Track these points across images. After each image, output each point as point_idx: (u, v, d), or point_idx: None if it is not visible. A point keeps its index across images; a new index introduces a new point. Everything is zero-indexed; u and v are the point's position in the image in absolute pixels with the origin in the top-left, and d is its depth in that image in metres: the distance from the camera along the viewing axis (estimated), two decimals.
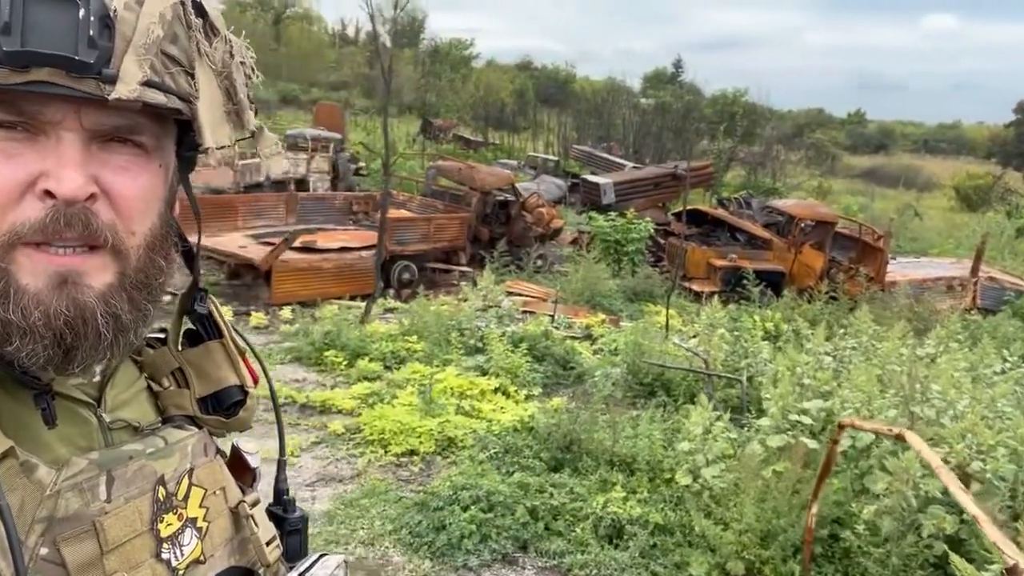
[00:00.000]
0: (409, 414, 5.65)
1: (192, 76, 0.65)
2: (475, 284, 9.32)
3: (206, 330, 0.84)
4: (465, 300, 8.80)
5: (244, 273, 9.67)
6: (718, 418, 4.84)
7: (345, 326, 7.66)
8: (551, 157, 29.94)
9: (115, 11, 0.58)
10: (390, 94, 9.38)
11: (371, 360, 7.03)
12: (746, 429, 5.12)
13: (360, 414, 5.82)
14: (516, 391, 6.56)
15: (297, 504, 0.93)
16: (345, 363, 7.03)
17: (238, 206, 11.11)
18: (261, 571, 0.80)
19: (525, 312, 9.34)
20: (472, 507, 4.24)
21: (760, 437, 4.57)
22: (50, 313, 0.60)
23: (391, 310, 9.28)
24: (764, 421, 4.70)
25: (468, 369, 6.82)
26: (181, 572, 0.71)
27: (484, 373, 6.76)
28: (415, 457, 5.23)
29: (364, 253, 9.83)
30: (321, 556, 0.86)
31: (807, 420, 4.40)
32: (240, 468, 0.87)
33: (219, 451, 0.81)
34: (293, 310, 8.65)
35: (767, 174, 34.10)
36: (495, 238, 12.28)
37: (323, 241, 10.18)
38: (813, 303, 10.25)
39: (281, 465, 0.95)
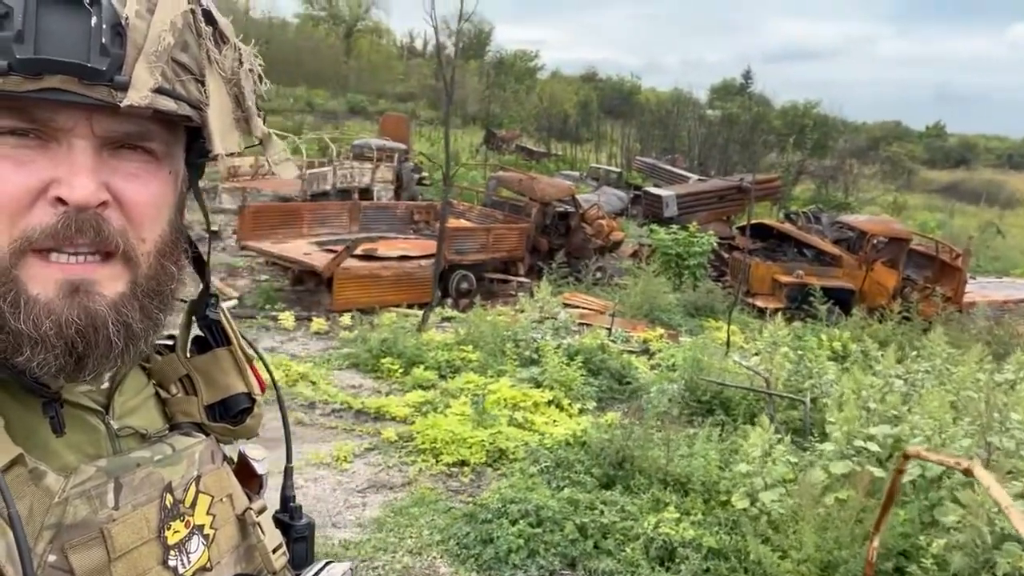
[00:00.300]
0: (461, 424, 5.65)
1: (202, 83, 0.65)
2: (532, 295, 9.29)
3: (214, 337, 0.84)
4: (522, 311, 8.78)
5: (307, 279, 9.90)
6: (779, 440, 4.67)
7: (402, 334, 7.74)
8: (614, 169, 29.75)
9: (127, 19, 0.59)
10: (452, 105, 9.47)
11: (426, 368, 7.08)
12: (808, 453, 4.92)
13: (413, 422, 5.86)
14: (570, 404, 6.49)
15: (304, 511, 0.93)
16: (401, 371, 7.10)
17: (304, 214, 11.39)
18: None
19: (582, 324, 9.25)
20: (521, 521, 4.20)
21: (823, 463, 4.38)
22: (61, 322, 0.61)
23: (448, 319, 9.34)
24: (827, 446, 4.51)
25: (522, 381, 6.79)
26: None
27: (538, 385, 6.72)
28: (466, 468, 5.22)
29: (423, 262, 9.94)
30: (327, 563, 0.86)
31: (873, 447, 4.20)
32: (246, 475, 0.87)
33: (226, 458, 0.82)
34: (353, 316, 8.80)
35: (839, 188, 33.05)
36: (554, 249, 12.23)
37: (384, 249, 10.34)
38: (884, 323, 9.83)
39: (288, 472, 0.94)
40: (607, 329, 8.90)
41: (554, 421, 6.06)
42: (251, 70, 0.71)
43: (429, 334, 8.19)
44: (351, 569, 0.86)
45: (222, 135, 0.66)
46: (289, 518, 0.91)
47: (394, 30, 60.19)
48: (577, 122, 44.25)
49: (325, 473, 5.02)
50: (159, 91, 0.60)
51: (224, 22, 0.68)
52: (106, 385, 0.72)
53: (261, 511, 0.82)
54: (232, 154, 0.69)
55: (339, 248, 9.61)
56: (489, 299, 10.47)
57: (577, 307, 10.13)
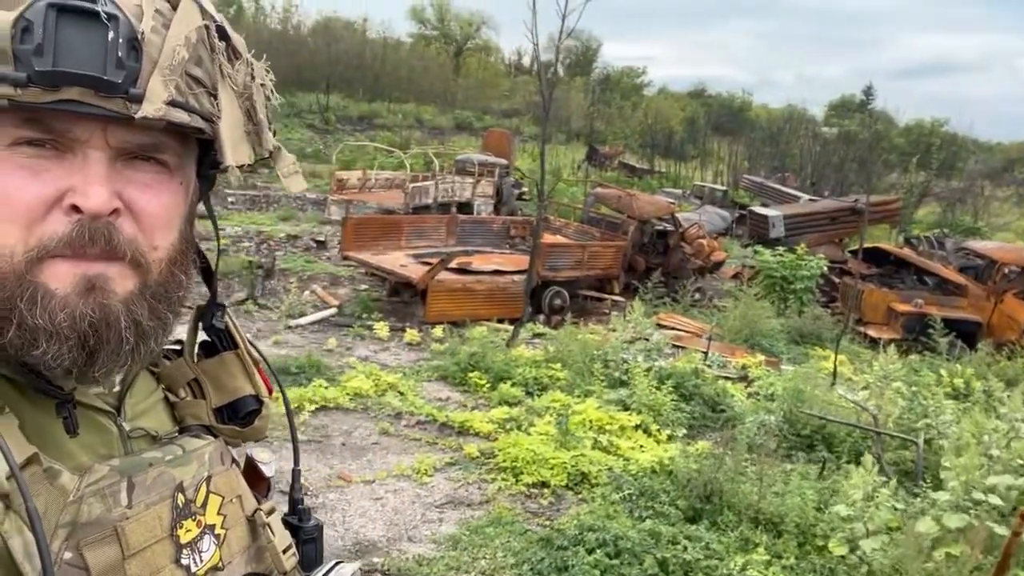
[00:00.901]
0: (544, 444, 5.54)
1: (214, 97, 0.67)
2: (626, 314, 9.08)
3: (221, 341, 0.86)
4: (613, 330, 8.59)
5: (403, 290, 10.10)
6: (884, 483, 4.30)
7: (491, 349, 7.73)
8: (719, 187, 28.94)
9: (143, 34, 0.60)
10: (555, 121, 9.46)
11: (513, 384, 7.02)
12: (918, 500, 4.50)
13: (496, 439, 5.81)
14: (658, 430, 6.26)
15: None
16: (488, 386, 7.08)
17: (403, 226, 11.66)
18: None
19: (676, 347, 8.96)
20: (597, 550, 4.04)
21: (935, 512, 3.98)
22: (76, 315, 0.62)
23: (539, 335, 9.26)
24: (941, 495, 4.10)
25: (609, 402, 6.61)
26: None
27: (626, 408, 6.52)
28: (546, 490, 5.11)
29: (516, 277, 9.93)
30: (336, 564, 0.87)
31: (994, 499, 3.78)
32: (254, 478, 0.88)
33: (234, 461, 0.82)
34: (445, 329, 8.89)
35: (967, 212, 30.77)
36: (651, 268, 11.95)
37: (478, 263, 10.41)
38: (1014, 360, 8.98)
39: (295, 475, 0.94)
40: (703, 353, 8.56)
41: (640, 447, 5.86)
42: (263, 85, 0.73)
43: (518, 350, 8.14)
44: (360, 570, 0.87)
45: (233, 147, 0.68)
46: (298, 520, 0.92)
47: (503, 48, 61.17)
48: (683, 139, 43.43)
49: (405, 485, 5.04)
50: (173, 104, 0.62)
51: (237, 38, 0.70)
52: (117, 388, 0.74)
53: (270, 512, 0.83)
54: (242, 167, 0.71)
55: (434, 261, 9.76)
56: (582, 317, 10.33)
57: (672, 329, 9.83)
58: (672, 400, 6.70)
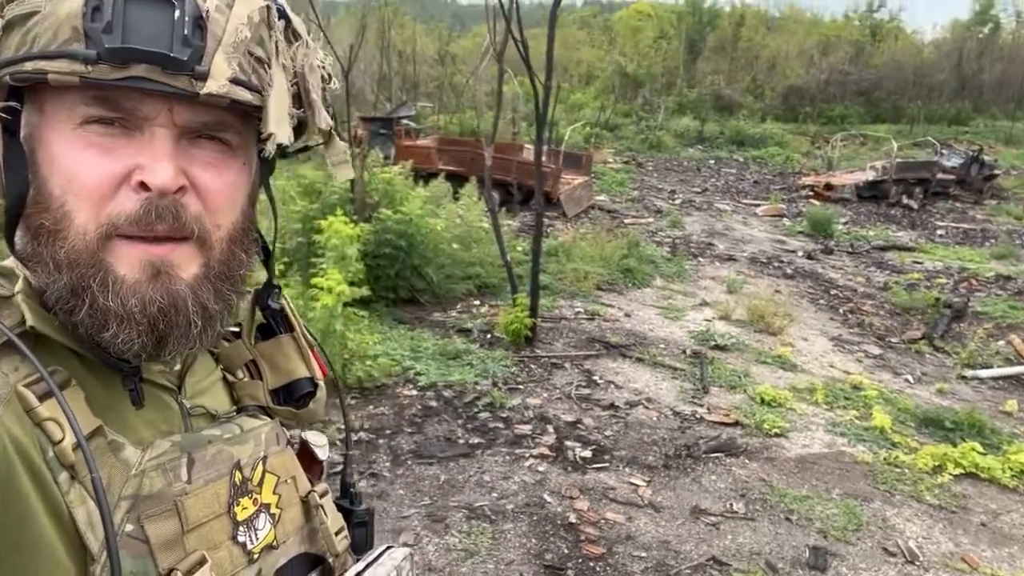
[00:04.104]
0: None
1: (267, 70, 0.67)
2: None
3: (278, 324, 0.87)
4: None
5: None
6: None
7: None
8: None
9: (207, 12, 0.61)
10: None
11: None
12: None
13: None
14: None
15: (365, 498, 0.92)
16: None
17: None
18: (330, 560, 0.81)
19: None
20: None
21: None
22: (146, 301, 0.64)
23: None
24: None
25: None
26: (256, 555, 0.72)
27: None
28: None
29: None
30: (388, 548, 0.85)
31: None
32: (308, 461, 0.88)
33: (289, 442, 0.83)
34: None
35: None
36: None
37: None
38: None
39: (349, 459, 0.95)
40: None
41: None
42: (321, 67, 0.73)
43: None
44: (411, 555, 0.84)
45: (277, 121, 0.66)
46: (349, 503, 0.92)
47: None
48: None
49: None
50: (235, 82, 0.62)
51: (297, 21, 0.70)
52: (178, 366, 0.76)
53: (323, 494, 0.83)
54: (300, 150, 0.75)
55: None
56: None
57: None
58: None
